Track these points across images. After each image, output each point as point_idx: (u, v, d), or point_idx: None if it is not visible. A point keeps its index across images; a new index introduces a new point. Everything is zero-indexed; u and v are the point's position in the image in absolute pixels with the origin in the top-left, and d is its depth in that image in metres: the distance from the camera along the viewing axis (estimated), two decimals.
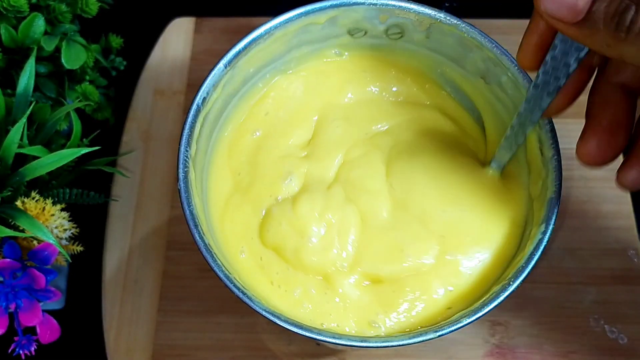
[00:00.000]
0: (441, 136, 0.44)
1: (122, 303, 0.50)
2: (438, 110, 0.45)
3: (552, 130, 0.38)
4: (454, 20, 0.41)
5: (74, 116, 0.46)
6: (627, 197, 0.52)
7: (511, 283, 0.35)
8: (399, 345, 0.35)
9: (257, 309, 0.35)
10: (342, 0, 0.41)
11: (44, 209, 0.42)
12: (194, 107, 0.39)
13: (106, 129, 0.53)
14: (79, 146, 0.47)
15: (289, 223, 0.40)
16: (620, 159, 0.34)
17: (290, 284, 0.40)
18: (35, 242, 0.42)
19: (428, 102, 0.45)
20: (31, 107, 0.44)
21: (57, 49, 0.47)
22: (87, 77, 0.51)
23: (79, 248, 0.45)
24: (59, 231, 0.42)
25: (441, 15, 0.41)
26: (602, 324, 0.49)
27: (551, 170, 0.38)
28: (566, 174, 0.38)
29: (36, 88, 0.47)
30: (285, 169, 0.42)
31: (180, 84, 0.57)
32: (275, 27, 0.41)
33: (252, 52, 0.41)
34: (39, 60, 0.47)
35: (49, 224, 0.42)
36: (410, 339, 0.35)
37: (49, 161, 0.42)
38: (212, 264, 0.36)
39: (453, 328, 0.35)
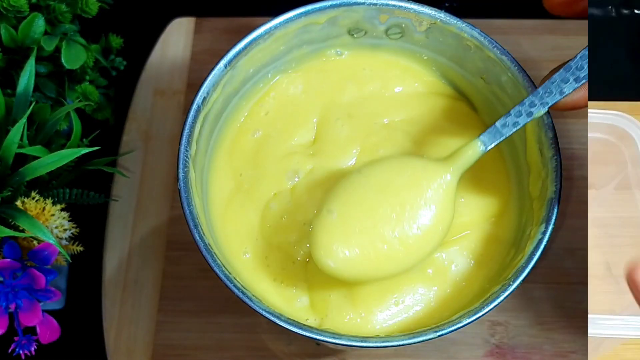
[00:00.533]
0: (463, 119, 0.44)
1: (122, 303, 0.50)
2: (445, 95, 0.44)
3: (552, 130, 0.38)
4: (454, 20, 0.41)
5: (74, 116, 0.46)
6: None
7: (511, 283, 0.35)
8: (399, 345, 0.35)
9: (257, 309, 0.35)
10: (342, 0, 0.41)
11: (44, 209, 0.42)
12: (194, 107, 0.39)
13: (106, 129, 0.53)
14: (79, 146, 0.46)
15: (289, 215, 0.40)
16: None
17: (294, 278, 0.40)
18: (35, 242, 0.42)
19: (427, 91, 0.45)
20: (31, 107, 0.44)
21: (57, 49, 0.47)
22: (87, 77, 0.51)
23: (79, 248, 0.45)
24: (59, 231, 0.42)
25: (441, 15, 0.41)
26: None
27: (551, 170, 0.38)
28: (566, 174, 0.38)
29: (36, 88, 0.47)
30: (290, 168, 0.42)
31: (180, 84, 0.57)
32: (275, 27, 0.41)
33: (252, 52, 0.41)
34: (39, 60, 0.47)
35: (49, 224, 0.42)
36: (410, 339, 0.35)
37: (49, 161, 0.42)
38: (212, 264, 0.36)
39: (453, 328, 0.35)
